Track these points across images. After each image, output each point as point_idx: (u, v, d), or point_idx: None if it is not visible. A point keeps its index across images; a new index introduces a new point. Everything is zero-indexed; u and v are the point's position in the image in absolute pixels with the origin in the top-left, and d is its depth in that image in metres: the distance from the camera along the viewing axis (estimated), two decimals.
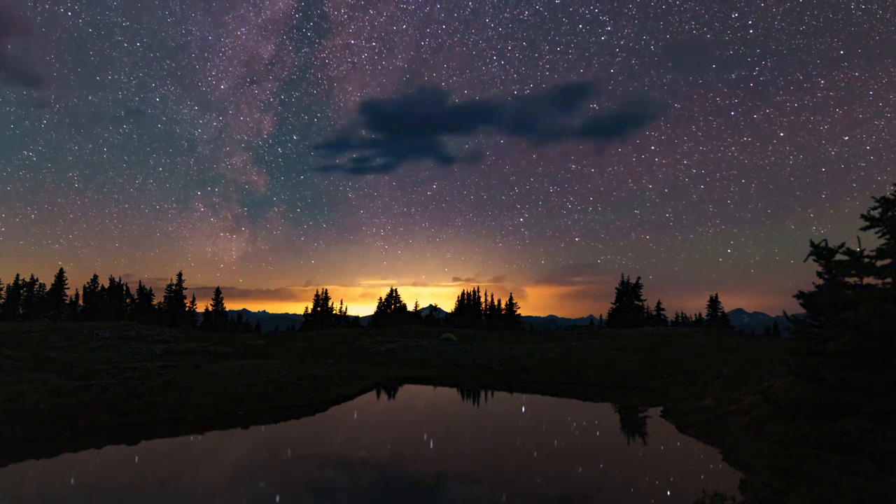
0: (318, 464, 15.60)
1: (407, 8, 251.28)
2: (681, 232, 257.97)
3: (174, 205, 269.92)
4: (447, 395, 30.83)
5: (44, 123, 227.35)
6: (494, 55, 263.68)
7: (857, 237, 7.39)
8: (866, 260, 7.22)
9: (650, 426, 21.84)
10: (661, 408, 24.81)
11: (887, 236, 7.10)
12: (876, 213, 7.28)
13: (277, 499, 12.19)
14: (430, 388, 32.97)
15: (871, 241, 7.29)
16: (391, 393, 30.20)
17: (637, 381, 32.76)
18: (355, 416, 23.59)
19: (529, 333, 65.64)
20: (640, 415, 24.84)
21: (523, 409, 26.67)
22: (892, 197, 7.17)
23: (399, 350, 43.37)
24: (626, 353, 38.34)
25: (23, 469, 14.33)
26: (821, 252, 7.60)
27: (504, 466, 15.56)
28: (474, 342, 47.34)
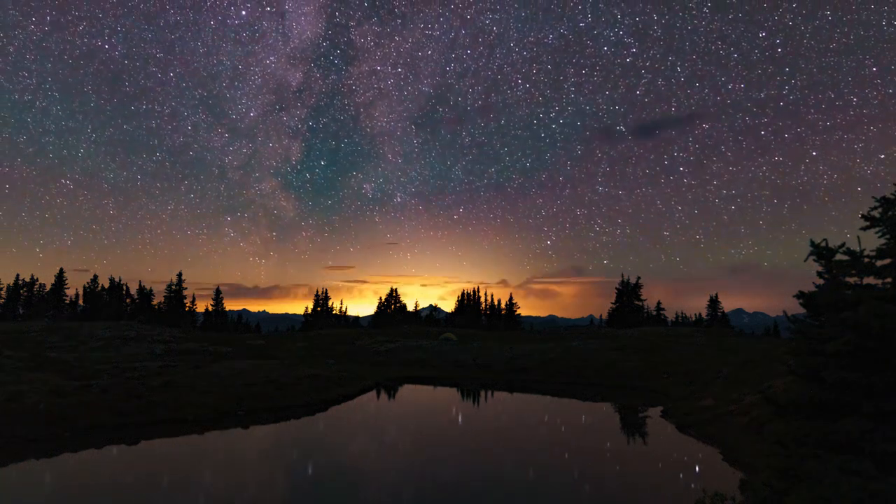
0: (318, 464, 15.61)
1: (432, 34, 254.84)
2: (712, 254, 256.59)
3: (205, 230, 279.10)
4: (447, 395, 30.83)
5: (80, 152, 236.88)
6: (519, 79, 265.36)
7: (857, 237, 7.39)
8: (866, 260, 7.21)
9: (650, 426, 21.84)
10: (661, 408, 24.81)
11: (887, 236, 7.09)
12: (876, 213, 7.28)
13: (277, 498, 12.19)
14: (430, 388, 32.97)
15: (872, 242, 7.29)
16: (391, 393, 30.19)
17: (637, 381, 32.76)
18: (355, 416, 23.58)
19: (529, 333, 65.64)
20: (640, 415, 24.84)
21: (523, 410, 26.66)
22: (892, 197, 7.17)
23: (399, 350, 43.38)
24: (626, 353, 38.34)
25: (23, 469, 14.32)
26: (821, 252, 7.60)
27: (504, 466, 15.55)
28: (474, 342, 47.33)
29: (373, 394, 29.16)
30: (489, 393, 31.02)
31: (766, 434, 7.75)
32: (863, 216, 7.36)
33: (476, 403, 28.49)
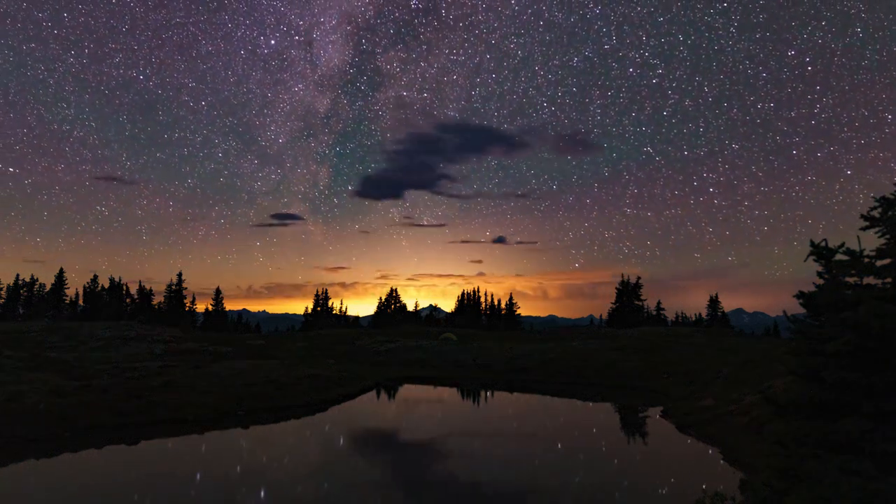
0: (318, 464, 15.61)
1: (457, 59, 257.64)
2: (745, 274, 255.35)
3: (234, 255, 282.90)
4: (447, 395, 30.84)
5: (115, 181, 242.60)
6: (545, 101, 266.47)
7: (857, 237, 7.39)
8: (866, 260, 7.21)
9: (650, 426, 21.84)
10: (661, 408, 24.81)
11: (887, 236, 7.09)
12: (876, 213, 7.27)
13: (277, 498, 12.19)
14: (431, 388, 32.98)
15: (872, 242, 7.29)
16: (391, 393, 30.20)
17: (637, 381, 32.75)
18: (355, 416, 23.59)
19: (529, 333, 65.65)
20: (640, 415, 24.84)
21: (523, 410, 26.67)
22: (891, 197, 7.17)
23: (399, 350, 43.38)
24: (626, 353, 38.34)
25: (23, 469, 14.33)
26: (821, 252, 7.60)
27: (504, 466, 15.56)
28: (474, 342, 47.33)
29: (373, 394, 29.16)
30: (489, 393, 31.02)
31: (766, 434, 7.75)
32: (863, 216, 7.36)
33: (476, 403, 28.49)
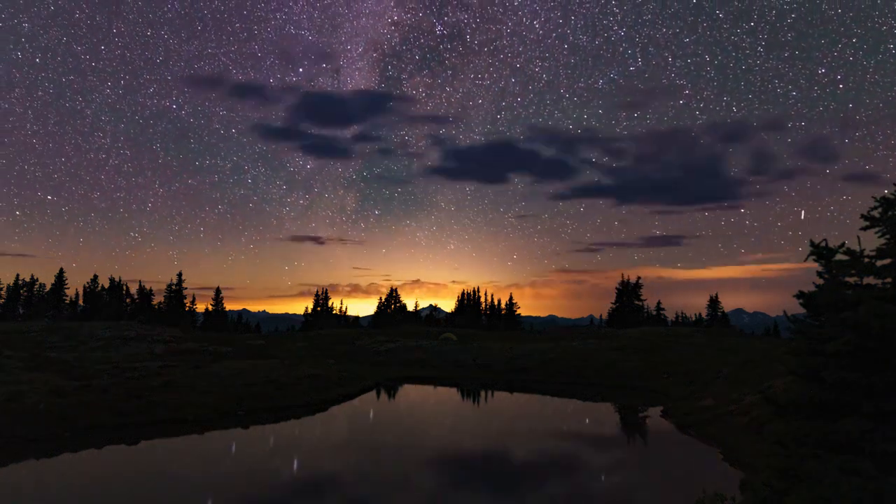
0: (317, 464, 15.60)
1: (482, 83, 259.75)
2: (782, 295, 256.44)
3: (263, 279, 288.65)
4: (447, 395, 30.83)
5: (148, 206, 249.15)
6: (570, 124, 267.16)
7: (857, 237, 7.39)
8: (866, 260, 7.21)
9: (650, 426, 21.84)
10: (661, 408, 24.81)
11: (887, 236, 7.09)
12: (876, 213, 7.27)
13: (276, 499, 12.19)
14: (431, 388, 32.97)
15: (872, 242, 7.29)
16: (391, 393, 30.20)
17: (637, 381, 32.75)
18: (355, 416, 23.58)
19: (529, 333, 65.63)
20: (640, 415, 24.84)
21: (523, 410, 26.67)
22: (891, 197, 7.17)
23: (399, 350, 43.37)
24: (626, 353, 38.32)
25: (23, 469, 14.32)
26: (821, 252, 7.60)
27: (504, 466, 15.56)
28: (474, 342, 47.31)
29: (373, 394, 29.16)
30: (489, 393, 31.01)
31: (766, 434, 7.75)
32: (863, 216, 7.36)
33: (476, 403, 28.49)
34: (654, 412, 24.26)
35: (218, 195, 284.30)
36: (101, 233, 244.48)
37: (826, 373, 6.79)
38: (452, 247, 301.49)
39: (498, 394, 30.74)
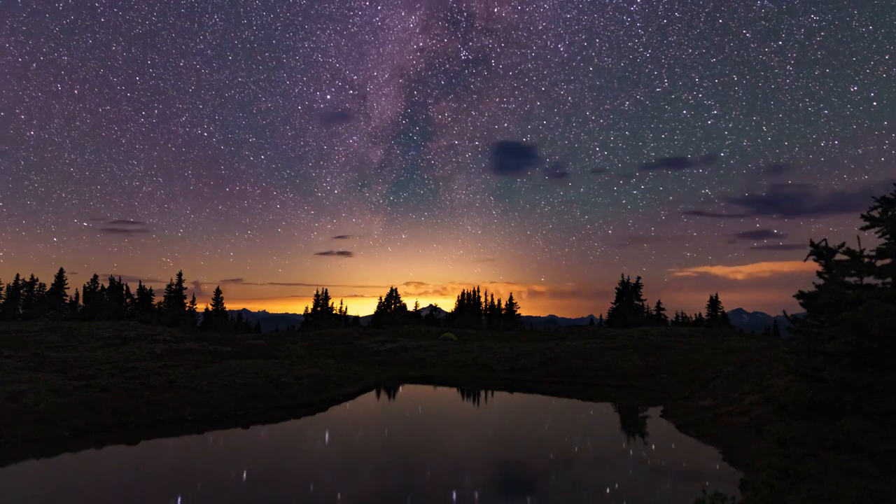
0: (318, 464, 15.61)
1: (507, 107, 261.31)
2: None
3: (292, 304, 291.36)
4: (447, 395, 30.83)
5: (180, 232, 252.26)
6: (597, 146, 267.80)
7: (857, 237, 7.39)
8: (866, 260, 7.21)
9: (650, 426, 21.84)
10: (661, 408, 24.82)
11: (887, 236, 7.09)
12: (876, 213, 7.27)
13: (276, 499, 12.19)
14: (430, 387, 32.98)
15: (872, 242, 7.29)
16: (391, 393, 30.20)
17: (637, 381, 32.76)
18: (355, 416, 23.59)
19: (529, 333, 65.63)
20: (640, 414, 24.84)
21: (523, 410, 26.67)
22: (892, 197, 7.17)
23: (399, 350, 43.38)
24: (626, 353, 38.34)
25: (23, 469, 14.32)
26: (821, 252, 7.60)
27: (504, 466, 15.56)
28: (474, 342, 47.33)
29: (373, 393, 29.16)
30: (489, 393, 31.01)
31: (766, 434, 7.75)
32: (863, 216, 7.36)
33: (476, 403, 28.49)
34: (654, 412, 24.25)
35: (247, 220, 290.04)
36: (134, 258, 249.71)
37: (826, 373, 6.79)
38: (479, 270, 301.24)
39: (498, 394, 30.74)
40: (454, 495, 12.85)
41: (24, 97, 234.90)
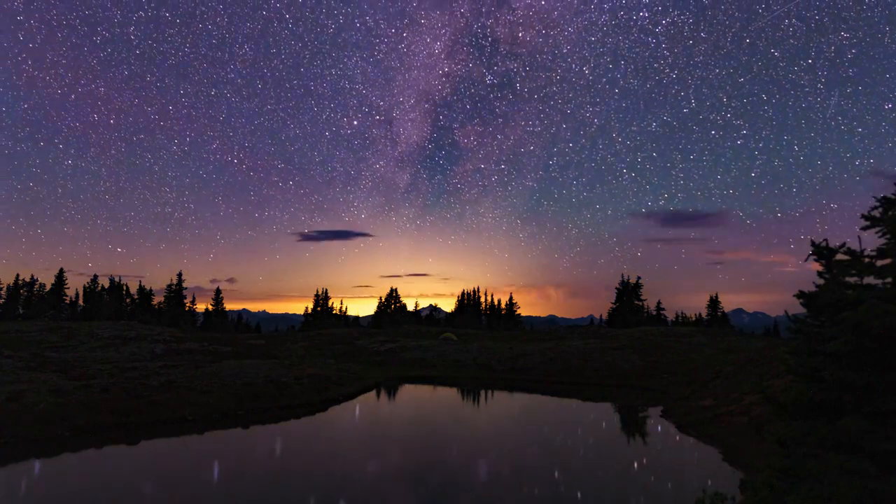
0: (318, 464, 15.60)
1: (533, 130, 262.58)
2: None
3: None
4: (447, 395, 30.83)
5: (210, 258, 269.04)
6: (624, 168, 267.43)
7: (858, 237, 7.39)
8: (866, 260, 7.21)
9: (650, 426, 21.84)
10: (661, 407, 24.81)
11: (887, 236, 7.09)
12: (876, 213, 7.27)
13: (277, 499, 12.19)
14: (430, 387, 32.97)
15: (872, 242, 7.29)
16: (391, 393, 30.20)
17: (637, 381, 32.76)
18: (355, 416, 23.59)
19: (529, 333, 65.61)
20: (640, 414, 24.84)
21: (523, 410, 26.67)
22: (892, 197, 7.17)
23: (399, 350, 43.38)
24: (626, 353, 38.34)
25: (23, 469, 14.32)
26: (821, 252, 7.60)
27: (505, 466, 15.55)
28: (474, 342, 47.33)
29: (373, 393, 29.16)
30: (489, 393, 31.02)
31: (766, 434, 7.75)
32: (863, 216, 7.36)
33: (476, 403, 28.49)
34: (654, 412, 24.25)
35: (276, 245, 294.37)
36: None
37: (826, 373, 6.79)
38: (505, 291, 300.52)
39: (498, 394, 30.74)
40: (452, 494, 12.86)
41: (63, 128, 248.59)
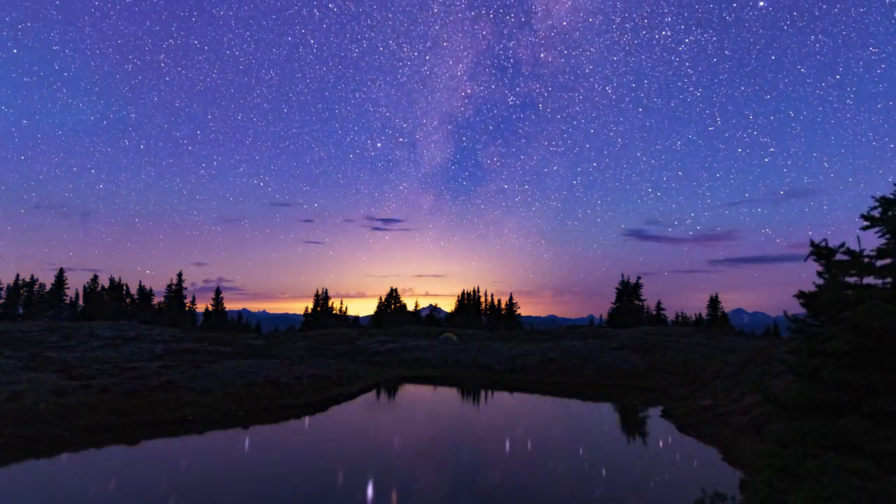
0: (318, 464, 15.60)
1: (556, 150, 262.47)
2: None
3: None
4: (447, 395, 30.83)
5: (236, 278, 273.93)
6: (649, 187, 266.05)
7: (857, 237, 7.39)
8: (866, 260, 7.21)
9: (650, 426, 21.84)
10: (661, 408, 24.81)
11: (887, 236, 7.09)
12: (876, 213, 7.27)
13: (277, 499, 12.19)
14: (430, 387, 32.98)
15: (872, 242, 7.29)
16: (391, 393, 30.20)
17: (637, 381, 32.75)
18: (355, 416, 23.59)
19: (529, 333, 65.60)
20: (640, 415, 24.84)
21: (523, 410, 26.67)
22: (891, 197, 7.17)
23: (399, 350, 43.39)
24: (626, 353, 38.34)
25: (23, 469, 14.32)
26: (821, 252, 7.60)
27: (505, 466, 15.55)
28: (474, 342, 47.33)
29: (373, 393, 29.16)
30: (489, 393, 31.02)
31: (766, 434, 7.75)
32: (863, 216, 7.36)
33: (476, 403, 28.49)
34: (654, 412, 24.25)
35: (300, 266, 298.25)
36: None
37: (826, 373, 6.79)
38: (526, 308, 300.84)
39: (498, 394, 30.74)
40: (452, 494, 12.86)
41: (95, 153, 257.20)
